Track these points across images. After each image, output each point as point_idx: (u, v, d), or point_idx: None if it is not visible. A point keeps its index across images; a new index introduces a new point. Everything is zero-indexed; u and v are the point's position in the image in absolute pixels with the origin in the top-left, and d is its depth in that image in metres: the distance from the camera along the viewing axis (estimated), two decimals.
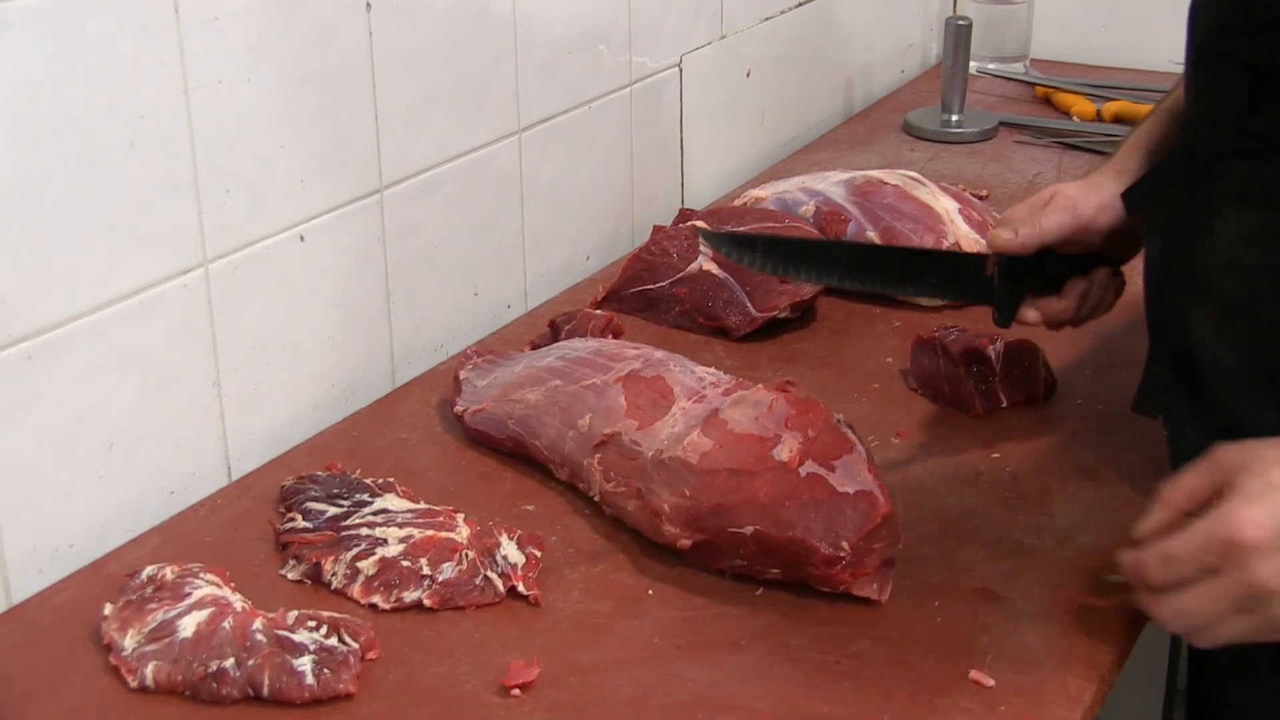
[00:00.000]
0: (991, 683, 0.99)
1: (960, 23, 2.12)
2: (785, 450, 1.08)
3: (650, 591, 1.10)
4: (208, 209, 1.22)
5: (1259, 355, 1.02)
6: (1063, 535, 1.16)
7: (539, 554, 1.11)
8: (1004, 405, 1.35)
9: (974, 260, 1.24)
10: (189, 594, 1.03)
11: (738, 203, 1.70)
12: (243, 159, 1.24)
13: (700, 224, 1.53)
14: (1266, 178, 1.01)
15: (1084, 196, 1.18)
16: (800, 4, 2.09)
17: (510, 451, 1.28)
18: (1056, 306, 1.21)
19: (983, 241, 1.56)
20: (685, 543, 1.10)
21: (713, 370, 1.22)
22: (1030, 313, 1.22)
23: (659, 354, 1.25)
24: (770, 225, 1.54)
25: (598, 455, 1.18)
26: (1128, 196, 1.16)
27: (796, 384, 1.15)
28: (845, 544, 1.04)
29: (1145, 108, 2.14)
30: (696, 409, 1.15)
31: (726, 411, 1.12)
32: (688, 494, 1.10)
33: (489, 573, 1.09)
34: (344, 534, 1.12)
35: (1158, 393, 1.13)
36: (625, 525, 1.18)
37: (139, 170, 1.15)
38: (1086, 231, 1.18)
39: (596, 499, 1.19)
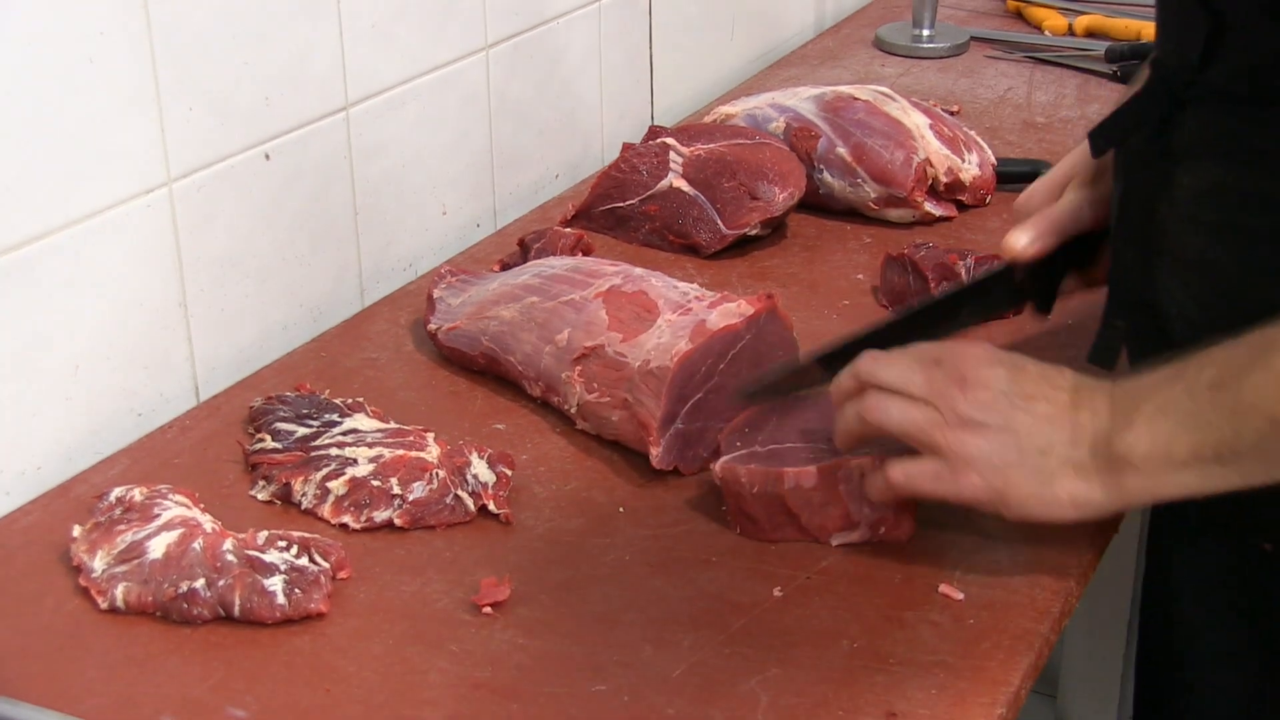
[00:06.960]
0: (960, 596, 1.00)
1: None
2: None
3: (621, 509, 1.11)
4: (170, 127, 1.20)
5: (1220, 311, 0.96)
6: None
7: (510, 472, 1.11)
8: None
9: (1001, 275, 1.17)
10: (158, 515, 1.02)
11: (707, 119, 1.69)
12: (205, 76, 1.22)
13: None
14: (1222, 130, 0.95)
15: (1092, 164, 1.12)
16: None
17: (483, 369, 1.28)
18: (1096, 276, 1.16)
19: (953, 158, 1.56)
20: None
21: (694, 285, 1.22)
22: (1069, 285, 1.18)
23: (638, 270, 1.25)
24: (740, 141, 1.53)
25: (578, 367, 1.17)
26: (1094, 138, 1.08)
27: (778, 296, 1.15)
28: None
29: (1118, 22, 2.14)
30: (683, 320, 1.14)
31: (714, 322, 1.12)
32: None
33: (460, 491, 1.09)
34: (313, 454, 1.11)
35: (1114, 346, 1.08)
36: (598, 443, 1.18)
37: (99, 87, 1.13)
38: (1108, 197, 1.11)
39: (573, 412, 1.19)
